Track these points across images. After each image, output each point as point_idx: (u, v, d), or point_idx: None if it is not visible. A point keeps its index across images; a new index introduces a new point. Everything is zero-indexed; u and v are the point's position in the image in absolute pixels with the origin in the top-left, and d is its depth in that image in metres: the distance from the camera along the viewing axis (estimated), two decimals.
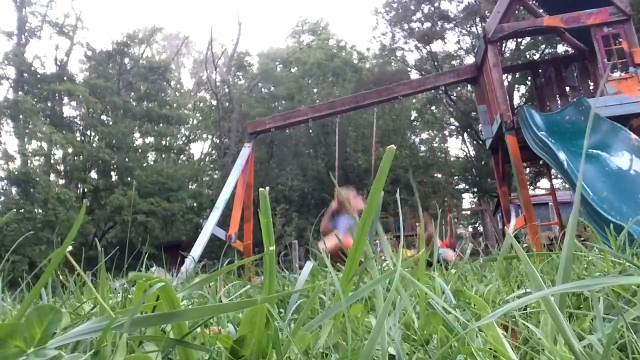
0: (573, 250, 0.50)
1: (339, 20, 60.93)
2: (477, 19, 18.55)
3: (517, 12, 8.77)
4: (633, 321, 0.58)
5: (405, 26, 20.27)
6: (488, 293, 0.81)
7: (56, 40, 20.54)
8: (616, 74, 5.22)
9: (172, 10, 54.35)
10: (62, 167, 20.37)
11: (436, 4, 19.40)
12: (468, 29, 19.61)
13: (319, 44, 25.22)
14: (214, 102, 23.88)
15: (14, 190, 16.53)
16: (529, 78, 14.15)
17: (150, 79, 21.99)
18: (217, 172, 23.42)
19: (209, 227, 5.76)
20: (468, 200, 25.21)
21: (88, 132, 20.65)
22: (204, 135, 26.92)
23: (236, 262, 0.65)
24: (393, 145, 0.54)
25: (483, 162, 19.20)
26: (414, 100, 21.82)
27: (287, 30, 31.73)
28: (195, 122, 26.48)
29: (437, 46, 23.08)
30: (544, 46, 16.92)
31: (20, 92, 18.66)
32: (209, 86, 24.13)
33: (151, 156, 23.32)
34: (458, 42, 20.49)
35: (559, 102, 6.31)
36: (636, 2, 9.95)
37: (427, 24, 19.82)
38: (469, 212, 24.93)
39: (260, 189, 0.56)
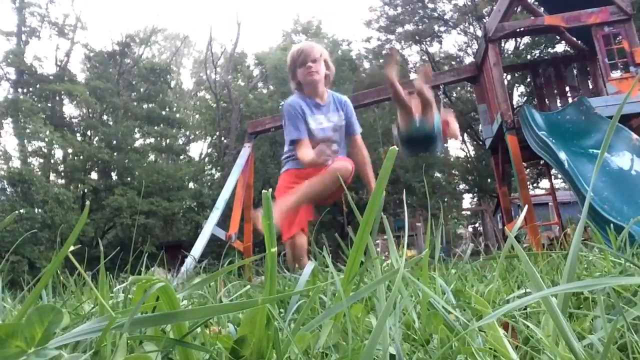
0: (578, 253, 0.50)
1: (339, 20, 60.96)
2: (473, 20, 18.51)
3: (517, 11, 8.78)
4: (633, 321, 0.58)
5: (401, 29, 20.23)
6: (488, 293, 0.80)
7: (56, 40, 20.56)
8: (617, 74, 5.23)
9: (172, 10, 54.37)
10: (62, 168, 20.37)
11: (431, 5, 19.35)
12: (465, 29, 19.58)
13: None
14: (214, 103, 23.86)
15: (12, 190, 16.52)
16: (529, 78, 14.14)
17: (151, 79, 21.99)
18: (217, 172, 23.41)
19: (209, 227, 5.77)
20: (468, 201, 25.21)
21: (88, 133, 20.65)
22: (204, 135, 26.90)
23: (237, 262, 0.65)
24: (395, 147, 0.53)
25: (483, 162, 19.17)
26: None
27: (281, 32, 31.62)
28: (195, 122, 26.46)
29: (435, 48, 22.98)
30: (543, 46, 16.89)
31: (20, 92, 18.66)
32: (208, 86, 24.12)
33: (151, 157, 23.32)
34: (455, 42, 20.51)
35: (558, 102, 6.31)
36: (637, 2, 9.94)
37: (422, 26, 19.79)
38: (469, 212, 24.94)
39: (264, 191, 0.56)
